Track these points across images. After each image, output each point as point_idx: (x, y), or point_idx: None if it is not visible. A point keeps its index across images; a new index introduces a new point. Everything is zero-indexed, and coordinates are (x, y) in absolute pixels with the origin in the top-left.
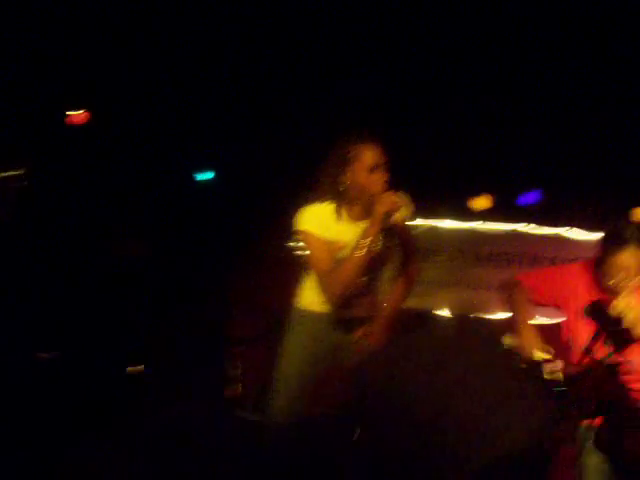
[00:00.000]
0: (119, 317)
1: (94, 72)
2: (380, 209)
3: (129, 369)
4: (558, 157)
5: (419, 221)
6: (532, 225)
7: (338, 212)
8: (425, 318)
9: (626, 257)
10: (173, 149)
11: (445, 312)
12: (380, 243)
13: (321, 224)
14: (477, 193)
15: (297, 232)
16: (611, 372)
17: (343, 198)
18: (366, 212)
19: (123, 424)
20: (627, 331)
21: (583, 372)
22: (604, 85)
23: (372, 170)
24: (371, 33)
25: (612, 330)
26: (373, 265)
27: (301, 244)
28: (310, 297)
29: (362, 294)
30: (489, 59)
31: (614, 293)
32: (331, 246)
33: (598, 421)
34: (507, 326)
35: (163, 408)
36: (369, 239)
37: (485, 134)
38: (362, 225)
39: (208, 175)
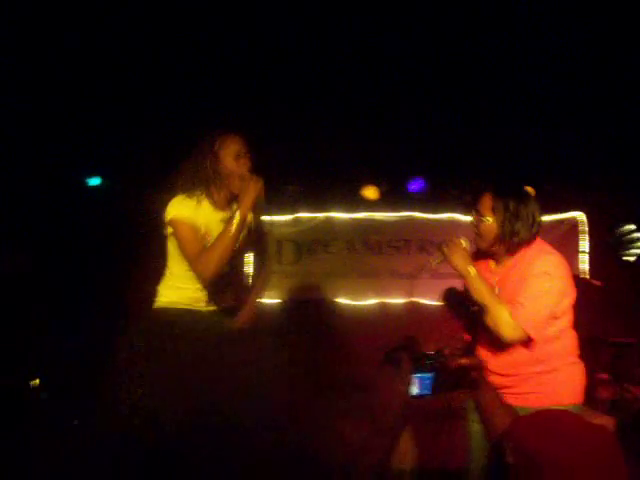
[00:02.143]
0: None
1: None
2: (250, 191)
3: (28, 382)
4: (441, 146)
5: (314, 214)
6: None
7: (203, 201)
8: (325, 307)
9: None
10: (53, 153)
11: (344, 300)
12: (244, 230)
13: (189, 212)
14: (367, 183)
15: (167, 222)
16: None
17: (209, 186)
18: (229, 201)
19: (20, 436)
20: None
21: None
22: (477, 72)
23: (237, 157)
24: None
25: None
26: (235, 253)
27: (168, 234)
28: (170, 295)
29: (226, 284)
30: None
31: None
32: (199, 233)
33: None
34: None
35: (60, 420)
36: (240, 217)
37: (371, 125)
38: (226, 214)
39: (95, 181)
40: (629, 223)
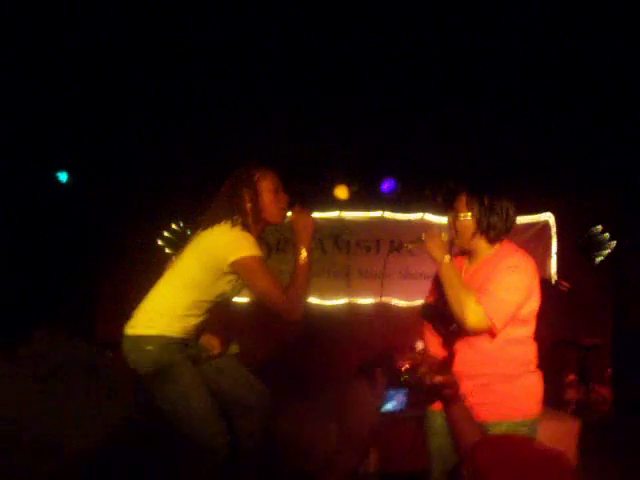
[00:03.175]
0: None
1: None
2: (308, 225)
3: None
4: (412, 147)
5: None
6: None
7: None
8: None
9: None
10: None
11: (314, 299)
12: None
13: (257, 247)
14: (338, 183)
15: (243, 260)
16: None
17: (247, 218)
18: (260, 234)
19: None
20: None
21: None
22: (447, 75)
23: (276, 191)
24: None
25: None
26: (230, 296)
27: (236, 272)
28: (176, 324)
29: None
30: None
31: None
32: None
33: (437, 406)
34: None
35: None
36: (307, 251)
37: (343, 125)
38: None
39: (62, 177)
40: (597, 225)
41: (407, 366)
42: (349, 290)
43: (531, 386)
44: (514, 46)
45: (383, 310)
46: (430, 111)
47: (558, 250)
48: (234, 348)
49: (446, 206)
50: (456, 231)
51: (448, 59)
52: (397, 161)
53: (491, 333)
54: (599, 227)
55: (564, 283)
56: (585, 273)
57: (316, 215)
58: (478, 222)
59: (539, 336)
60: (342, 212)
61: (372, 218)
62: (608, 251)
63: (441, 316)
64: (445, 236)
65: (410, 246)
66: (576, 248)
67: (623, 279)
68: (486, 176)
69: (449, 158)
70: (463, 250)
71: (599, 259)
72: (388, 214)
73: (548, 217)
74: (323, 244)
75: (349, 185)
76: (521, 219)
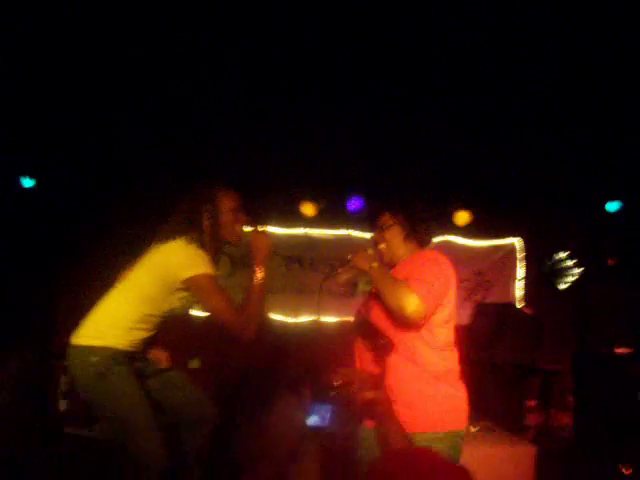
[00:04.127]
0: None
1: None
2: (264, 244)
3: None
4: (380, 165)
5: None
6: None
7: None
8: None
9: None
10: None
11: (278, 316)
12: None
13: (211, 265)
14: (305, 200)
15: (197, 277)
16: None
17: (203, 234)
18: (216, 251)
19: None
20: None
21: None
22: (418, 93)
23: (236, 211)
24: None
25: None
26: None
27: (189, 289)
28: (123, 337)
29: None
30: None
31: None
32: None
33: (370, 423)
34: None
35: None
36: (263, 270)
37: (311, 142)
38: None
39: (28, 183)
40: (562, 251)
41: (339, 382)
42: (314, 308)
43: (456, 397)
44: (490, 66)
45: (346, 329)
46: (401, 130)
47: (525, 275)
48: (195, 363)
49: (371, 224)
50: (386, 241)
51: (421, 76)
52: (365, 180)
53: (424, 321)
54: (564, 253)
55: (527, 309)
56: (549, 298)
57: (282, 231)
58: (403, 228)
59: (500, 360)
60: (309, 229)
61: (339, 236)
62: (572, 278)
63: (371, 330)
64: (371, 250)
65: (340, 270)
66: (540, 273)
67: (586, 305)
68: (405, 195)
69: (418, 178)
70: (391, 264)
71: (563, 286)
72: (355, 232)
73: (515, 241)
74: (289, 261)
75: (317, 202)
76: (487, 242)
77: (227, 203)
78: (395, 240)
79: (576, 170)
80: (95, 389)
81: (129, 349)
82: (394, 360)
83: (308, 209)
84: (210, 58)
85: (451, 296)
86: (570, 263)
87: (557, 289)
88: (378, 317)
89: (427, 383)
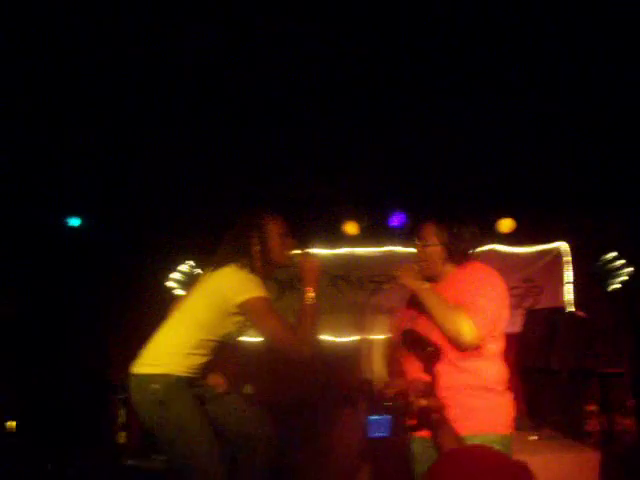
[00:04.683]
0: None
1: None
2: (313, 268)
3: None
4: (422, 180)
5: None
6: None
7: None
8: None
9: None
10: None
11: (327, 337)
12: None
13: (264, 288)
14: (347, 219)
15: (250, 301)
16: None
17: (254, 260)
18: (267, 276)
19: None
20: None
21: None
22: (457, 105)
23: (284, 236)
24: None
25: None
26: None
27: (243, 313)
28: (182, 363)
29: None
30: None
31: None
32: None
33: (424, 433)
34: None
35: (45, 460)
36: (313, 292)
37: (352, 161)
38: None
39: (75, 222)
40: (612, 252)
41: (393, 392)
42: (362, 327)
43: (503, 404)
44: (522, 70)
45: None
46: (441, 143)
47: (574, 278)
48: (248, 388)
49: (412, 236)
50: (425, 259)
51: (456, 88)
52: (407, 195)
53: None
54: (613, 254)
55: (580, 314)
56: (602, 301)
57: (327, 252)
58: (447, 249)
59: (556, 366)
60: (353, 248)
61: (383, 252)
62: (623, 278)
63: (418, 339)
64: (416, 267)
65: (386, 286)
66: (590, 276)
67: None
68: (451, 205)
69: (461, 190)
70: (430, 277)
71: (613, 287)
72: (399, 248)
73: (562, 245)
74: (336, 280)
75: (359, 221)
76: (533, 248)
77: (274, 229)
78: (437, 257)
79: (624, 170)
80: (157, 416)
81: (188, 375)
82: (442, 368)
83: (351, 228)
84: (252, 85)
85: (504, 314)
86: (619, 264)
87: (607, 291)
88: (424, 327)
89: (476, 392)
